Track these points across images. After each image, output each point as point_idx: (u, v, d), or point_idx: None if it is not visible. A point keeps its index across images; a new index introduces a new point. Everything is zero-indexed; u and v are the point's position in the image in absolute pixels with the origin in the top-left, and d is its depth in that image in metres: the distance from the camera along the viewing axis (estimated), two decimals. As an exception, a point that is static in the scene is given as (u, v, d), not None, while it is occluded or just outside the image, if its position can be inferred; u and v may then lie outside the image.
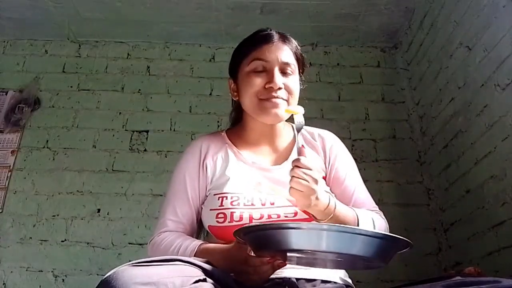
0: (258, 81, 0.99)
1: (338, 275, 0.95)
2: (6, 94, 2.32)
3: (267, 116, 1.00)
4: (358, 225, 0.92)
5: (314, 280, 0.89)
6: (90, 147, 2.21)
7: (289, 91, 1.00)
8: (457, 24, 1.84)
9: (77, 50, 2.48)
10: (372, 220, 0.96)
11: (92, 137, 2.24)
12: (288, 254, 0.72)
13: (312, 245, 0.66)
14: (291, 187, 0.83)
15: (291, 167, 0.83)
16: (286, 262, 0.76)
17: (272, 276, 0.86)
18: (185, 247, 0.91)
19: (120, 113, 2.31)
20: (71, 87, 2.37)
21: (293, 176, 0.82)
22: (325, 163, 1.08)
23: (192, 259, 0.74)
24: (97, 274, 1.93)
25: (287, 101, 1.00)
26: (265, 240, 0.70)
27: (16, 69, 2.40)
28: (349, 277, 0.98)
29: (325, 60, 2.48)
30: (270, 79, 0.98)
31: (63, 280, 1.93)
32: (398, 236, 0.66)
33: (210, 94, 2.37)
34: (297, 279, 0.88)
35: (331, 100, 2.36)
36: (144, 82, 2.40)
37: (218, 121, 2.29)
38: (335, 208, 0.87)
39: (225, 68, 2.61)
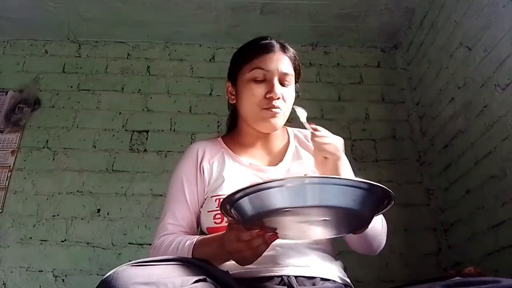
0: (259, 91, 1.02)
1: (337, 274, 0.95)
2: (6, 94, 2.32)
3: (265, 125, 1.04)
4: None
5: (314, 278, 0.90)
6: (90, 147, 2.21)
7: (284, 101, 1.03)
8: (457, 24, 1.84)
9: (77, 50, 2.48)
10: (380, 219, 0.98)
11: (92, 137, 2.24)
12: (274, 219, 0.70)
13: (295, 201, 0.65)
14: (315, 156, 0.92)
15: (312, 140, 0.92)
16: (276, 232, 0.76)
17: (272, 274, 0.88)
18: (183, 243, 0.92)
19: (120, 113, 2.31)
20: (71, 87, 2.37)
21: (315, 141, 0.91)
22: None
23: (192, 259, 0.75)
24: (97, 274, 1.93)
25: (283, 111, 1.03)
26: (249, 206, 0.69)
27: (16, 69, 2.40)
28: (348, 277, 0.99)
29: (325, 60, 2.48)
30: (271, 88, 1.01)
31: (63, 280, 1.93)
32: (379, 184, 0.67)
33: (210, 94, 2.37)
34: (296, 277, 0.88)
35: (331, 100, 2.36)
36: (144, 82, 2.40)
37: (218, 121, 2.29)
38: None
39: (225, 68, 2.60)
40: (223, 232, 0.85)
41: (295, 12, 2.24)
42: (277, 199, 0.66)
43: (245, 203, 0.69)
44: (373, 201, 0.70)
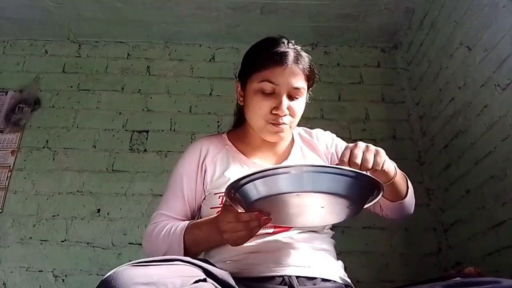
0: (265, 104, 0.99)
1: (338, 274, 0.95)
2: (6, 94, 2.32)
3: (269, 137, 1.04)
4: (407, 187, 1.00)
5: (315, 278, 0.90)
6: (90, 147, 2.21)
7: (292, 115, 1.01)
8: (457, 24, 1.84)
9: (77, 50, 2.47)
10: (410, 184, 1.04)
11: (92, 137, 2.24)
12: (276, 203, 0.75)
13: (298, 187, 0.70)
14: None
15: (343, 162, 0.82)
16: (271, 217, 0.80)
17: (273, 274, 0.88)
18: (175, 227, 0.95)
19: (120, 113, 2.30)
20: (71, 87, 2.37)
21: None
22: (330, 156, 1.13)
23: (192, 259, 0.75)
24: (97, 274, 1.93)
25: (289, 125, 1.02)
26: (255, 191, 0.73)
27: (16, 69, 2.40)
28: (348, 277, 0.99)
29: (325, 60, 2.48)
30: (278, 105, 0.98)
31: (63, 280, 1.93)
32: (366, 173, 0.73)
33: (210, 94, 2.37)
34: (297, 277, 0.89)
35: (331, 100, 2.36)
36: (144, 82, 2.40)
37: (218, 121, 2.29)
38: (396, 172, 0.92)
39: (225, 68, 2.60)
40: (215, 215, 0.88)
41: (295, 12, 2.24)
42: (282, 184, 0.71)
43: (251, 188, 0.73)
44: (362, 189, 0.74)
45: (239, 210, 0.81)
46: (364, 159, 0.80)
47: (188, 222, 0.96)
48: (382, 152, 0.83)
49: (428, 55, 2.12)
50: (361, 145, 0.82)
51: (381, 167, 0.82)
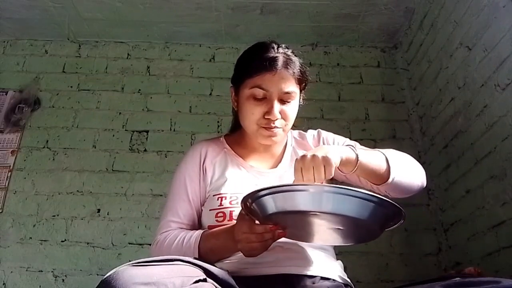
0: (257, 110, 1.00)
1: (337, 273, 0.96)
2: (6, 94, 2.32)
3: (263, 141, 1.04)
4: (389, 165, 0.91)
5: (314, 276, 0.91)
6: (90, 147, 2.21)
7: (285, 119, 1.02)
8: (457, 24, 1.84)
9: (77, 50, 2.48)
10: (402, 156, 0.98)
11: (92, 137, 2.24)
12: (291, 219, 0.75)
13: (313, 206, 0.70)
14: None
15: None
16: (286, 231, 0.80)
17: (273, 272, 0.89)
18: (189, 237, 0.94)
19: (120, 113, 2.31)
20: (71, 87, 2.37)
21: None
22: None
23: (193, 259, 0.75)
24: (97, 274, 1.93)
25: (283, 128, 1.02)
26: (272, 204, 0.74)
27: (16, 69, 2.40)
28: (348, 277, 0.99)
29: (325, 60, 2.48)
30: (269, 110, 0.99)
31: (63, 280, 1.93)
32: (389, 200, 0.71)
33: (210, 94, 2.37)
34: (297, 276, 0.89)
35: (331, 100, 2.36)
36: (144, 82, 2.40)
37: (218, 121, 2.29)
38: (357, 159, 0.86)
39: (225, 68, 2.60)
40: (231, 225, 0.88)
41: (295, 12, 2.24)
42: (300, 201, 0.71)
43: (268, 200, 0.74)
44: (382, 215, 0.73)
45: (256, 221, 0.82)
46: (316, 178, 0.79)
47: (201, 231, 0.95)
48: (331, 158, 0.79)
49: (428, 55, 2.12)
50: (307, 163, 0.80)
51: (332, 173, 0.80)
